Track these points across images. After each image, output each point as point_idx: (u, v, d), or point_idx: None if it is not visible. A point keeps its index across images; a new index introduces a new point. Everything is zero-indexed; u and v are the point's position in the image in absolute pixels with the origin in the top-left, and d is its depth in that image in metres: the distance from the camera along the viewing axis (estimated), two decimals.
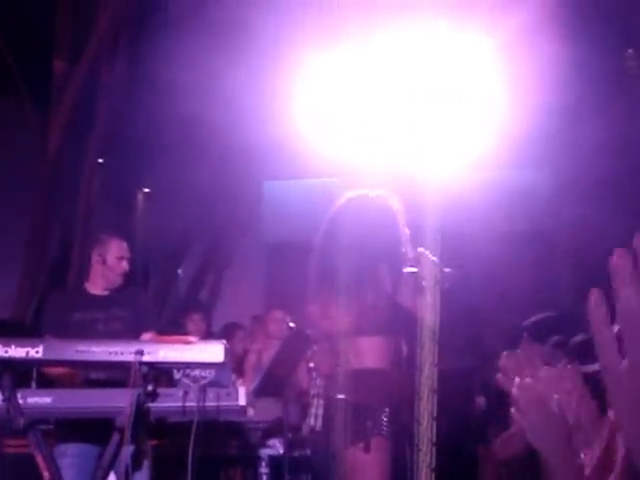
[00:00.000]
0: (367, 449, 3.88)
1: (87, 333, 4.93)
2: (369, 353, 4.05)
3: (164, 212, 9.45)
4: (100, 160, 8.76)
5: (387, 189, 4.34)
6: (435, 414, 3.81)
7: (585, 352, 3.79)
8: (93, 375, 4.81)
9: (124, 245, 5.27)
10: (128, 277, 5.28)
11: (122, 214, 9.38)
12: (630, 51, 7.49)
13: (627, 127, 7.05)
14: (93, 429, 4.38)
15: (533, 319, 5.13)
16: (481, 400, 6.22)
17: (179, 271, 9.95)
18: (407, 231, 4.21)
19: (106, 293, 5.16)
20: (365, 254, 4.08)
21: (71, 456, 4.89)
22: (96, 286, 5.18)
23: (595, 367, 3.12)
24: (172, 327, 7.30)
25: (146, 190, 9.78)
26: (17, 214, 8.61)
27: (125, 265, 5.15)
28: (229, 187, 9.61)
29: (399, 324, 4.17)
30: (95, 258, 5.15)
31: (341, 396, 4.08)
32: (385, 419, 3.93)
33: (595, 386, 3.04)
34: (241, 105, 8.25)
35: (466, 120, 5.80)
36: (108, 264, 5.11)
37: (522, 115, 6.37)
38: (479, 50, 5.81)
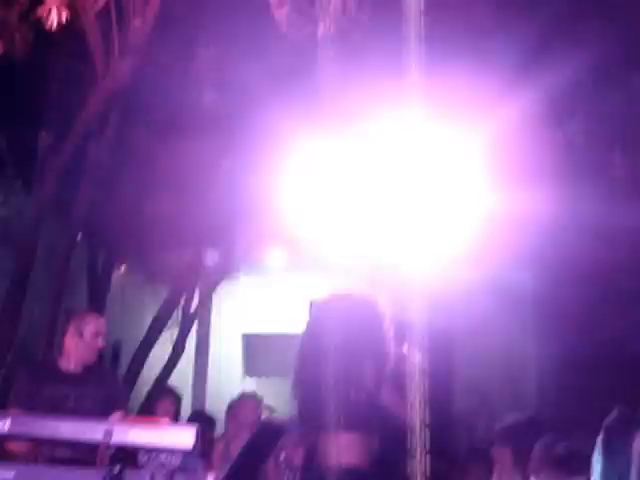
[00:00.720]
0: None
1: (56, 409, 4.84)
2: (348, 450, 3.96)
3: (139, 292, 9.40)
4: (79, 237, 8.71)
5: (372, 289, 4.32)
6: None
7: (569, 462, 3.73)
8: (59, 453, 4.70)
9: (101, 321, 5.24)
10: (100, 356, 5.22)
11: (97, 291, 9.29)
12: None
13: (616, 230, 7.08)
14: None
15: (509, 421, 5.05)
16: None
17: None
18: (391, 332, 4.16)
19: (78, 370, 5.09)
20: (348, 353, 4.03)
21: None
22: (69, 362, 5.12)
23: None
24: (141, 410, 7.20)
25: (123, 267, 9.71)
26: None
27: (101, 342, 5.11)
28: (199, 275, 9.58)
29: (377, 423, 4.10)
30: (71, 331, 5.10)
31: None
32: None
33: None
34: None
35: (450, 216, 5.80)
36: (84, 338, 5.06)
37: (510, 217, 6.40)
38: (466, 144, 5.85)
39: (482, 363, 8.15)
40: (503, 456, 4.52)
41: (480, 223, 5.93)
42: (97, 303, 9.08)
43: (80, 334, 5.09)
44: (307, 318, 4.25)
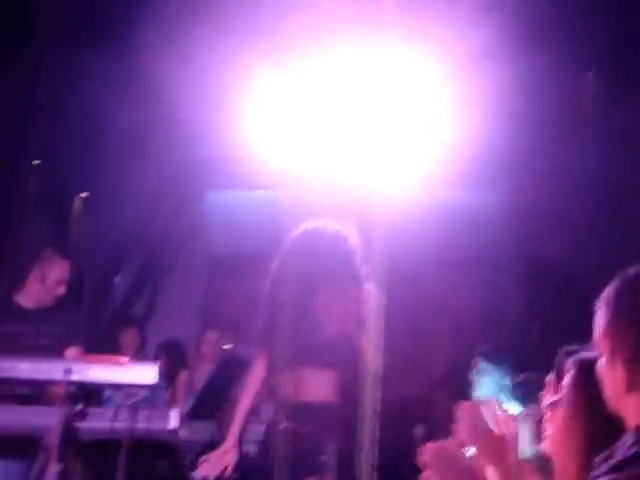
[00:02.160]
0: None
1: (14, 347, 4.74)
2: (315, 385, 3.95)
3: (101, 218, 9.25)
4: (35, 162, 8.54)
5: (345, 220, 4.28)
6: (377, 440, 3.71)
7: (526, 393, 3.74)
8: (20, 390, 4.63)
9: (66, 268, 5.12)
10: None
11: (58, 219, 9.14)
12: (589, 73, 7.47)
13: (587, 151, 7.03)
14: (18, 445, 4.20)
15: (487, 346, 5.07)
16: (419, 430, 6.13)
17: (115, 280, 9.72)
18: (364, 268, 4.14)
19: (36, 308, 5.00)
20: (318, 287, 3.99)
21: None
22: (28, 300, 5.02)
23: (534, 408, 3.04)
24: (106, 340, 7.14)
25: (83, 195, 9.54)
26: None
27: (62, 289, 5.02)
28: (171, 196, 9.44)
29: (345, 358, 4.08)
30: (34, 274, 5.00)
31: (285, 426, 3.97)
32: (334, 455, 3.82)
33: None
34: (187, 112, 8.11)
35: (416, 137, 5.74)
36: (47, 284, 4.97)
37: (474, 134, 6.32)
38: (431, 67, 5.76)
39: (449, 288, 8.12)
40: None
41: (444, 145, 5.85)
42: (59, 234, 8.97)
43: (43, 279, 4.99)
44: (281, 251, 4.21)
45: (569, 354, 2.66)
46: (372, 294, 4.02)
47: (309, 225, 4.24)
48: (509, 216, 8.31)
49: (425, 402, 6.37)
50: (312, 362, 3.95)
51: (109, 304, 9.32)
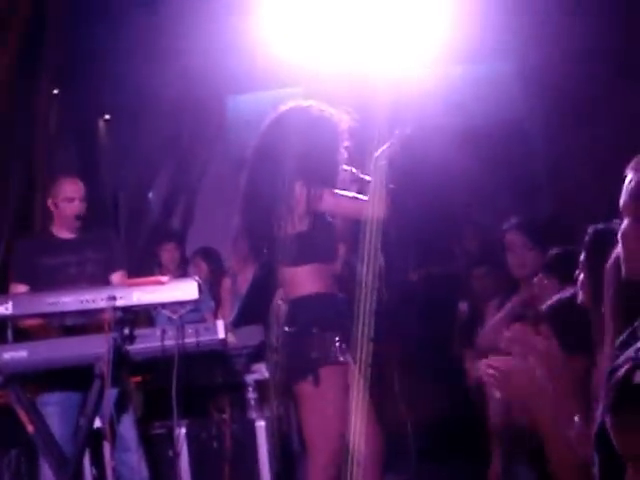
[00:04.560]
0: (316, 381, 3.73)
1: (58, 278, 4.84)
2: (308, 279, 3.87)
3: (128, 138, 9.28)
4: (55, 91, 8.53)
5: (337, 101, 4.14)
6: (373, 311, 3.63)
7: (562, 266, 3.73)
8: (69, 321, 4.74)
9: (75, 186, 5.09)
10: (95, 213, 5.16)
11: (84, 145, 9.17)
12: None
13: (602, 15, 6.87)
14: (75, 376, 4.32)
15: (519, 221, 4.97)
16: (464, 306, 6.18)
17: (149, 196, 9.79)
18: (346, 151, 3.99)
19: (75, 236, 5.05)
20: (300, 170, 3.83)
21: (54, 405, 4.85)
22: (61, 230, 5.07)
23: (570, 290, 3.06)
24: (146, 258, 7.22)
25: (107, 117, 9.55)
26: None
27: (76, 207, 5.00)
28: (193, 105, 9.42)
29: (330, 250, 3.99)
30: (50, 202, 5.03)
31: (285, 329, 3.96)
32: (336, 345, 3.76)
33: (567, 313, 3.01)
34: (202, 17, 8.05)
35: (420, 13, 5.63)
36: (59, 207, 4.99)
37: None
38: None
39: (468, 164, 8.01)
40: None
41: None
42: (86, 157, 9.01)
43: (55, 204, 5.01)
44: (262, 129, 4.08)
45: (597, 232, 2.70)
46: (378, 178, 3.81)
47: (290, 105, 4.03)
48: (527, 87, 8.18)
49: (465, 280, 6.39)
50: (296, 257, 3.83)
51: (145, 221, 9.41)
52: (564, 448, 1.88)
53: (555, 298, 3.31)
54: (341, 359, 3.76)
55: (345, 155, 3.97)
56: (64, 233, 5.06)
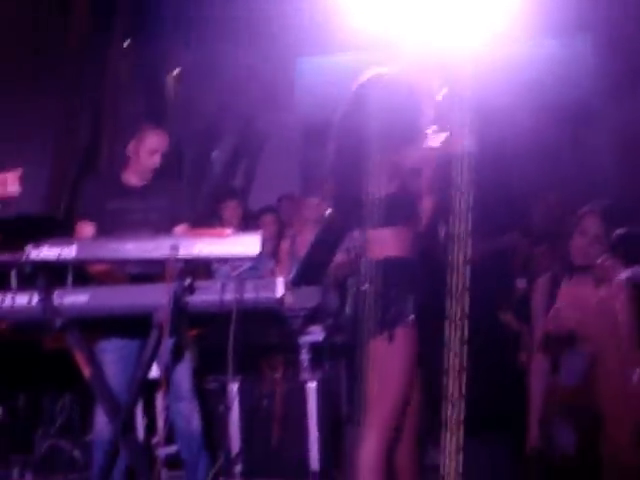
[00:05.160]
0: (391, 339, 3.76)
1: (123, 223, 4.86)
2: (391, 242, 3.88)
3: (195, 94, 9.30)
4: (127, 43, 8.58)
5: (417, 66, 4.11)
6: (467, 285, 3.62)
7: (627, 247, 3.68)
8: (134, 270, 4.77)
9: (161, 138, 5.11)
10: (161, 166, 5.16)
11: (152, 98, 9.21)
12: None
13: None
14: (133, 325, 4.36)
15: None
16: (522, 282, 6.12)
17: (213, 154, 9.81)
18: (431, 113, 3.94)
19: (142, 183, 5.07)
20: (388, 137, 3.80)
21: (112, 352, 4.90)
22: (132, 177, 5.09)
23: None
24: (207, 215, 7.24)
25: (176, 72, 9.58)
26: (46, 101, 8.44)
27: (157, 159, 5.03)
28: (262, 65, 9.40)
29: (415, 214, 3.96)
30: (130, 148, 5.04)
31: (364, 286, 3.98)
32: (410, 308, 3.79)
33: None
34: None
35: None
36: (141, 156, 5.00)
37: None
38: None
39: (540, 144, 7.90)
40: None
41: None
42: (153, 110, 9.05)
43: (137, 151, 5.01)
44: (346, 99, 4.04)
45: None
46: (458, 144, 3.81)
47: (372, 71, 4.00)
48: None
49: (526, 256, 6.32)
50: (382, 220, 3.84)
51: (208, 179, 9.44)
52: (620, 396, 1.87)
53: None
54: (414, 323, 3.79)
55: (430, 117, 3.97)
56: (134, 180, 5.08)
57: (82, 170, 8.08)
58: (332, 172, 4.07)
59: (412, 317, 3.78)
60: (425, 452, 4.08)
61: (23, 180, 4.01)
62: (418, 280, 3.87)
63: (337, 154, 4.01)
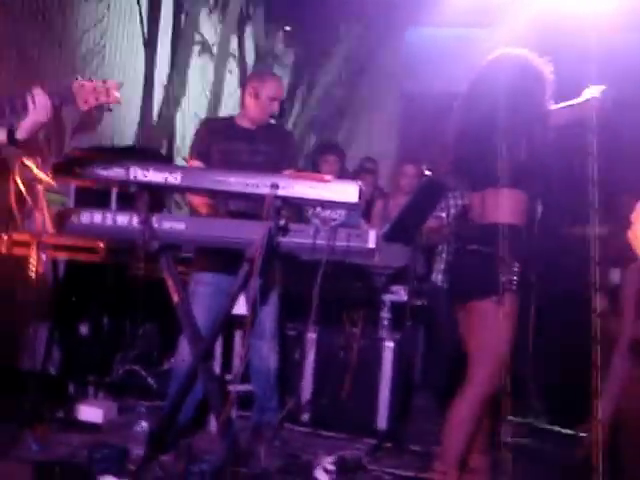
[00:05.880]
0: (499, 302, 3.88)
1: (230, 162, 4.93)
2: (506, 206, 3.97)
3: (306, 51, 9.35)
4: None
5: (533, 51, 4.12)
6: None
7: None
8: (233, 206, 4.85)
9: (280, 86, 5.20)
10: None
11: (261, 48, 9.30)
12: None
13: None
14: (230, 259, 4.43)
15: None
16: (615, 272, 6.03)
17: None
18: (551, 102, 4.03)
19: (253, 127, 5.14)
20: (509, 111, 3.93)
21: (205, 284, 4.98)
22: (245, 120, 5.16)
23: None
24: (307, 166, 7.28)
25: (287, 28, 9.65)
26: None
27: (276, 106, 5.10)
28: (371, 30, 9.42)
29: (538, 181, 4.11)
30: (249, 91, 5.11)
31: (473, 247, 4.04)
32: (515, 274, 3.90)
33: None
34: None
35: None
36: (260, 100, 5.07)
37: None
38: None
39: None
40: None
41: None
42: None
43: (257, 95, 5.08)
44: (470, 81, 4.16)
45: None
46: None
47: (501, 52, 4.13)
48: None
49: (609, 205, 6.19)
50: (501, 183, 3.93)
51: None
52: None
53: None
54: (517, 290, 3.92)
55: (551, 104, 4.04)
56: (246, 123, 5.15)
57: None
58: (458, 132, 4.15)
59: (517, 286, 3.91)
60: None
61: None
62: (525, 249, 3.98)
63: (465, 116, 4.10)
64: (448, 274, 4.28)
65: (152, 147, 7.75)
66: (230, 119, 5.25)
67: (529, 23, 6.62)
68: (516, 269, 3.91)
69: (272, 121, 5.17)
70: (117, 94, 3.85)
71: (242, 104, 5.20)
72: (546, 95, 4.03)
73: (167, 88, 8.17)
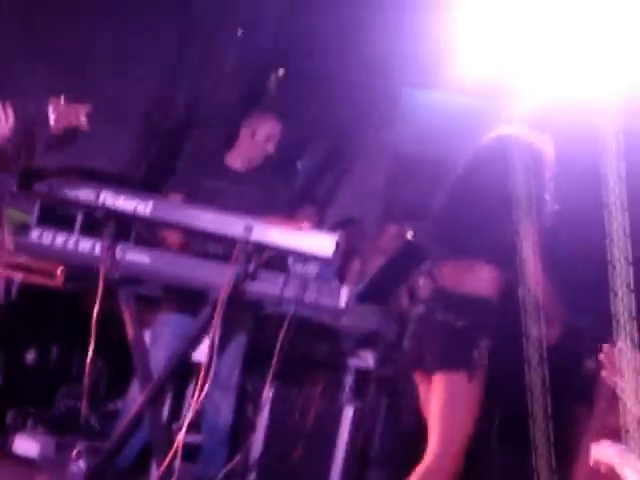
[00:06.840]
0: (470, 379, 3.73)
1: (215, 204, 4.74)
2: (480, 280, 3.87)
3: (295, 97, 9.22)
4: (240, 32, 8.61)
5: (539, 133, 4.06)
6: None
7: None
8: (210, 250, 4.63)
9: (278, 127, 5.11)
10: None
11: (253, 93, 9.17)
12: None
13: None
14: (199, 302, 4.20)
15: None
16: (592, 364, 5.85)
17: (297, 164, 9.72)
18: (550, 185, 3.95)
19: (243, 169, 5.01)
20: (501, 195, 3.83)
21: (171, 326, 4.82)
22: (237, 161, 5.03)
23: None
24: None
25: (281, 72, 9.54)
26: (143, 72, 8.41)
27: (271, 147, 5.01)
28: (367, 86, 9.33)
29: (513, 259, 3.88)
30: (244, 130, 5.00)
31: (443, 318, 3.89)
32: (485, 351, 3.77)
33: None
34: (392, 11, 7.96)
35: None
36: (256, 140, 4.96)
37: None
38: None
39: None
40: None
41: None
42: (252, 105, 9.04)
43: (253, 134, 4.98)
44: (468, 156, 4.08)
45: None
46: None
47: (500, 132, 4.05)
48: None
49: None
50: (476, 256, 3.86)
51: (290, 186, 9.35)
52: None
53: None
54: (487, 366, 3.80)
55: (551, 188, 3.97)
56: (238, 164, 5.02)
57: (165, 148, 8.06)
58: (448, 199, 4.06)
59: (485, 362, 3.77)
60: None
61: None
62: (498, 325, 3.85)
63: (458, 187, 4.04)
64: (412, 340, 4.07)
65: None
66: (220, 156, 5.13)
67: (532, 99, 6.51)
68: (486, 345, 3.77)
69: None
70: (84, 119, 3.71)
71: (235, 144, 5.08)
72: (544, 177, 3.94)
73: None
